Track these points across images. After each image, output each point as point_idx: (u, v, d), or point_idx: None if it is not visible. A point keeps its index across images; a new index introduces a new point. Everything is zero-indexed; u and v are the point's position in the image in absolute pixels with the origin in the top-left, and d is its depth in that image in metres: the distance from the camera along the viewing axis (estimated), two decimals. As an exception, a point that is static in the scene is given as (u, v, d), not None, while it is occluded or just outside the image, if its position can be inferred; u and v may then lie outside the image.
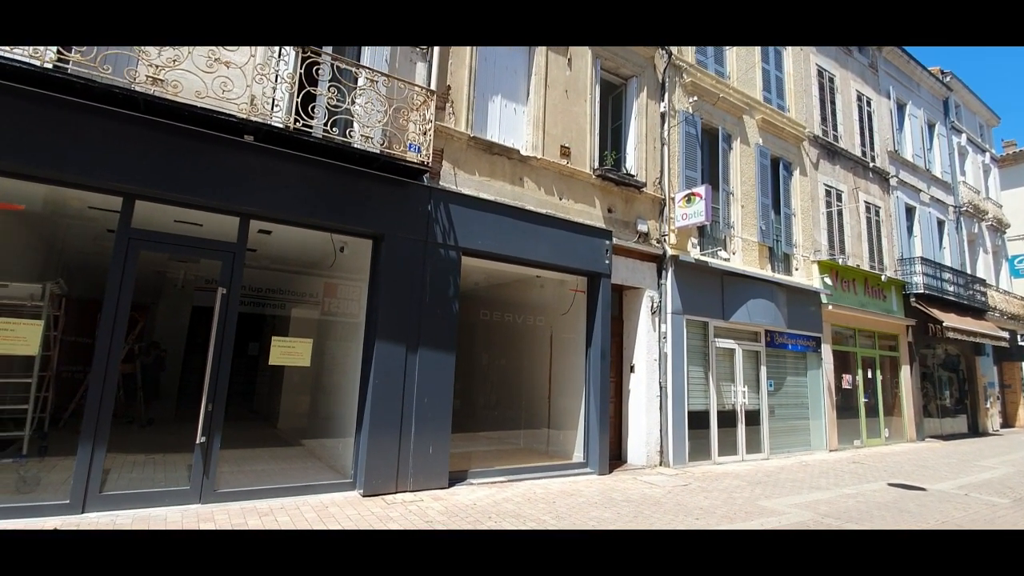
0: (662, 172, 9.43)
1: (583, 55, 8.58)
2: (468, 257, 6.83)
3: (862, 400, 12.69)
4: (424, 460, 6.02)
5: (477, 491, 6.20)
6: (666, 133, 9.55)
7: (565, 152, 8.14)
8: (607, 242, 8.11)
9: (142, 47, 4.98)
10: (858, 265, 12.99)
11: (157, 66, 4.98)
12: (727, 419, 9.60)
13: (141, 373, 7.42)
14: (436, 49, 7.00)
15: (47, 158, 4.63)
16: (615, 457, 8.43)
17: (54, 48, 4.75)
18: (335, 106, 5.84)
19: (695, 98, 9.96)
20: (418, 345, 6.18)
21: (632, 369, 8.80)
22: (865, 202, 13.78)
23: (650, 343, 8.78)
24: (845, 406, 12.22)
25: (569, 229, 7.78)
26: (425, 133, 6.41)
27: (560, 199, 8.00)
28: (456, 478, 6.38)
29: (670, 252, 9.07)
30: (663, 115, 9.58)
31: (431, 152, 6.38)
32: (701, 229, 9.69)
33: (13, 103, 4.48)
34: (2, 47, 4.41)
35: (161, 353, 8.05)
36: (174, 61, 5.05)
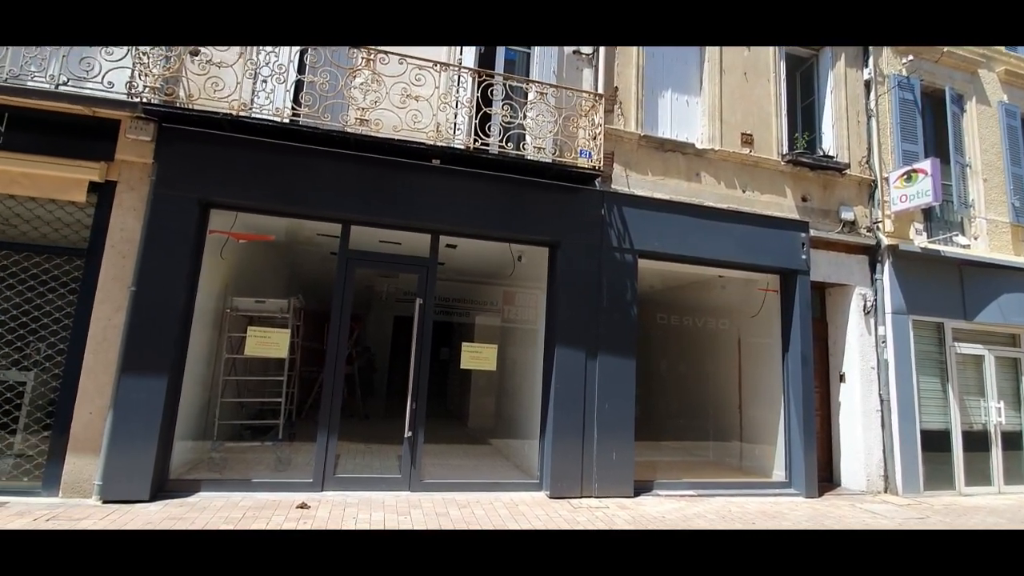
0: (870, 149, 8.09)
1: (763, 31, 7.78)
2: (644, 260, 6.60)
3: None
4: (608, 467, 5.92)
5: (664, 503, 5.89)
6: (873, 103, 8.18)
7: (747, 140, 7.45)
8: (803, 235, 7.19)
9: (352, 95, 5.80)
10: None
11: (363, 108, 5.74)
12: (976, 441, 7.79)
13: (358, 374, 8.63)
14: (602, 53, 6.95)
15: (287, 196, 5.62)
16: (824, 479, 7.36)
17: (289, 106, 5.78)
18: (508, 122, 6.13)
19: (910, 57, 8.36)
20: (597, 350, 6.13)
21: (842, 378, 7.63)
22: None
23: (864, 348, 7.52)
24: None
25: (755, 223, 7.07)
26: (595, 138, 6.39)
27: (743, 191, 7.32)
28: (641, 487, 6.16)
29: (886, 241, 7.70)
30: (868, 83, 8.24)
31: (602, 156, 6.33)
32: (927, 212, 8.06)
33: (262, 155, 5.53)
34: (248, 109, 5.50)
35: (372, 356, 9.32)
36: (375, 102, 5.76)
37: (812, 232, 7.32)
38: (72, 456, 4.85)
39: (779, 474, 6.98)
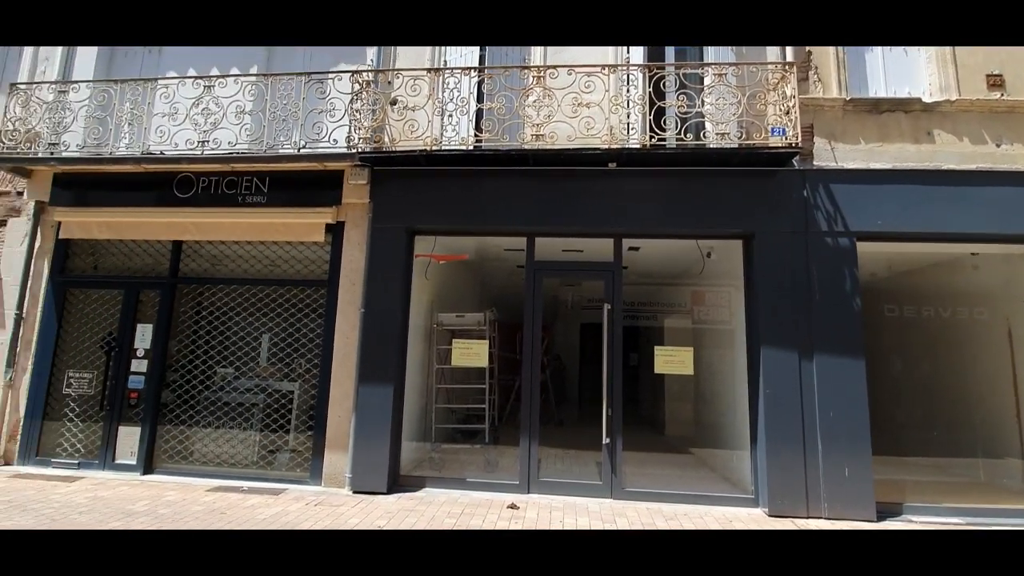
0: None
1: (1010, -58, 6.20)
2: (864, 242, 5.67)
3: None
4: (839, 484, 5.14)
5: (920, 531, 4.91)
6: None
7: (995, 82, 5.97)
8: (1100, 189, 5.49)
9: (527, 113, 6.04)
10: None
11: (537, 124, 5.95)
12: None
13: (550, 380, 8.96)
14: (788, 16, 6.22)
15: (476, 216, 6.06)
16: None
17: (472, 134, 6.24)
18: (685, 113, 5.81)
19: None
20: (812, 350, 5.41)
21: None
22: None
23: None
24: None
25: (1019, 183, 5.61)
26: (788, 112, 5.72)
27: (997, 145, 5.86)
28: (886, 511, 5.21)
29: None
30: None
31: (799, 131, 5.63)
32: None
33: (453, 182, 6.06)
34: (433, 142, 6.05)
35: (562, 365, 9.60)
36: (549, 116, 5.93)
37: (1116, 184, 5.54)
38: (329, 452, 5.82)
39: (1092, 504, 5.34)
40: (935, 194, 5.66)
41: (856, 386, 5.32)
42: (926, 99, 6.02)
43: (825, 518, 5.08)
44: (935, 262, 7.01)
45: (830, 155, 5.93)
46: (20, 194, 6.83)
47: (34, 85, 6.85)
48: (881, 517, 5.14)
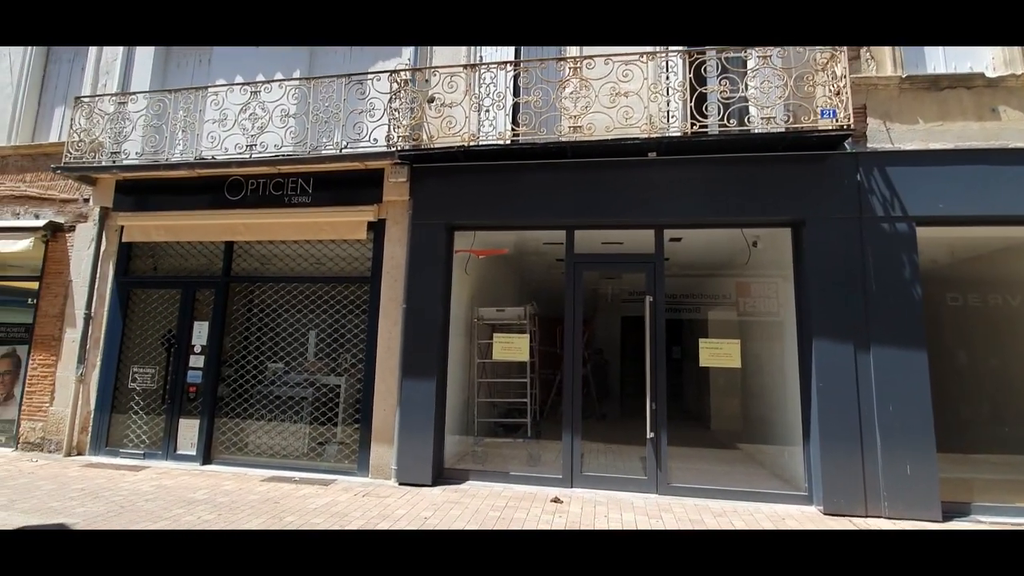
0: None
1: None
2: (924, 227, 5.37)
3: None
4: (900, 482, 4.90)
5: (990, 532, 4.63)
6: None
7: (1070, 51, 5.54)
8: None
9: (564, 105, 5.99)
10: None
11: (574, 116, 5.89)
12: None
13: (591, 374, 8.90)
14: (838, -8, 5.93)
15: (515, 210, 6.05)
16: None
17: (509, 128, 6.23)
18: (728, 98, 5.62)
19: None
20: (868, 342, 5.17)
21: None
22: None
23: None
24: None
25: (1102, 158, 5.19)
26: (838, 93, 5.47)
27: (1072, 120, 5.44)
28: (952, 511, 4.93)
29: None
30: None
31: (850, 112, 5.37)
32: None
33: (491, 177, 6.07)
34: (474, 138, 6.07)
35: (603, 359, 9.53)
36: (586, 108, 5.86)
37: None
38: (375, 445, 5.96)
39: None
40: (1002, 174, 5.31)
41: (917, 379, 5.05)
42: (989, 74, 5.65)
43: (885, 517, 4.85)
44: (1003, 247, 6.57)
45: (885, 136, 5.64)
46: (86, 201, 7.27)
47: (96, 98, 7.26)
48: (947, 517, 4.87)
